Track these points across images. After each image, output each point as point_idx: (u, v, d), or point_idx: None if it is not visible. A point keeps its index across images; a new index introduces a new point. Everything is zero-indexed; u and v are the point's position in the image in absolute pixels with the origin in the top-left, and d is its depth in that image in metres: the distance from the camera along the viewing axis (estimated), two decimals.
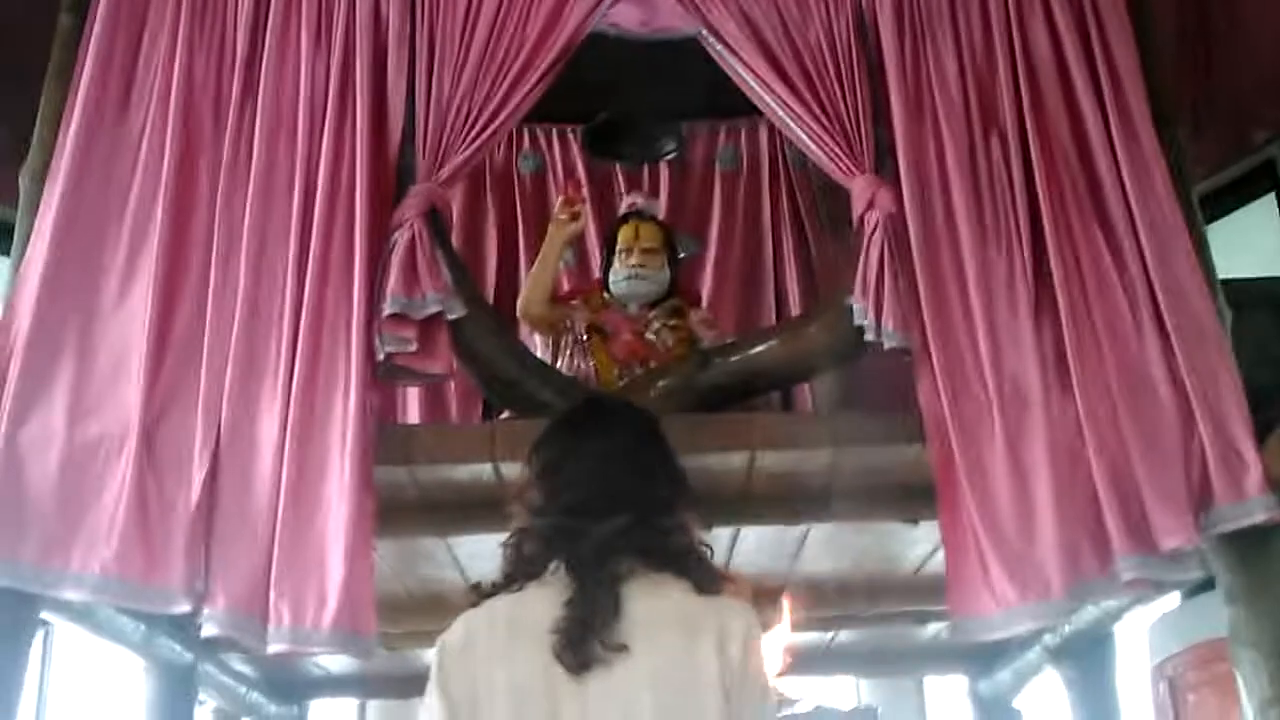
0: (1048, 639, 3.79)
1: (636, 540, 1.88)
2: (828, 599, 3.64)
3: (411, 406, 4.12)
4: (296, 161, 2.86)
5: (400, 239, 2.79)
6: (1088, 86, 2.96)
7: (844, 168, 2.95)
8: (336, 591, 2.52)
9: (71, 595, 2.57)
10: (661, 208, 4.20)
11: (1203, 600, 3.31)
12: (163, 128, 2.86)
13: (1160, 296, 2.75)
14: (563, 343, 3.54)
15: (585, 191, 3.95)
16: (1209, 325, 2.75)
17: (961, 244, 2.86)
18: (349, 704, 5.19)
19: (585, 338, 3.50)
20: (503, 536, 1.99)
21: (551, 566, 1.89)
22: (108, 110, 2.90)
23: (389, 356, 2.74)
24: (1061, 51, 3.00)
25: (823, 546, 3.31)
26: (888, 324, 2.76)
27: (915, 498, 2.87)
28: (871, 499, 2.93)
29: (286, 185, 2.84)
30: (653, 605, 1.84)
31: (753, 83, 3.06)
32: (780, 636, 2.40)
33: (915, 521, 3.02)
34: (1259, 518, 2.55)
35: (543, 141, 4.65)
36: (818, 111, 2.97)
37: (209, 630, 2.55)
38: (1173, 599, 4.13)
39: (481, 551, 2.88)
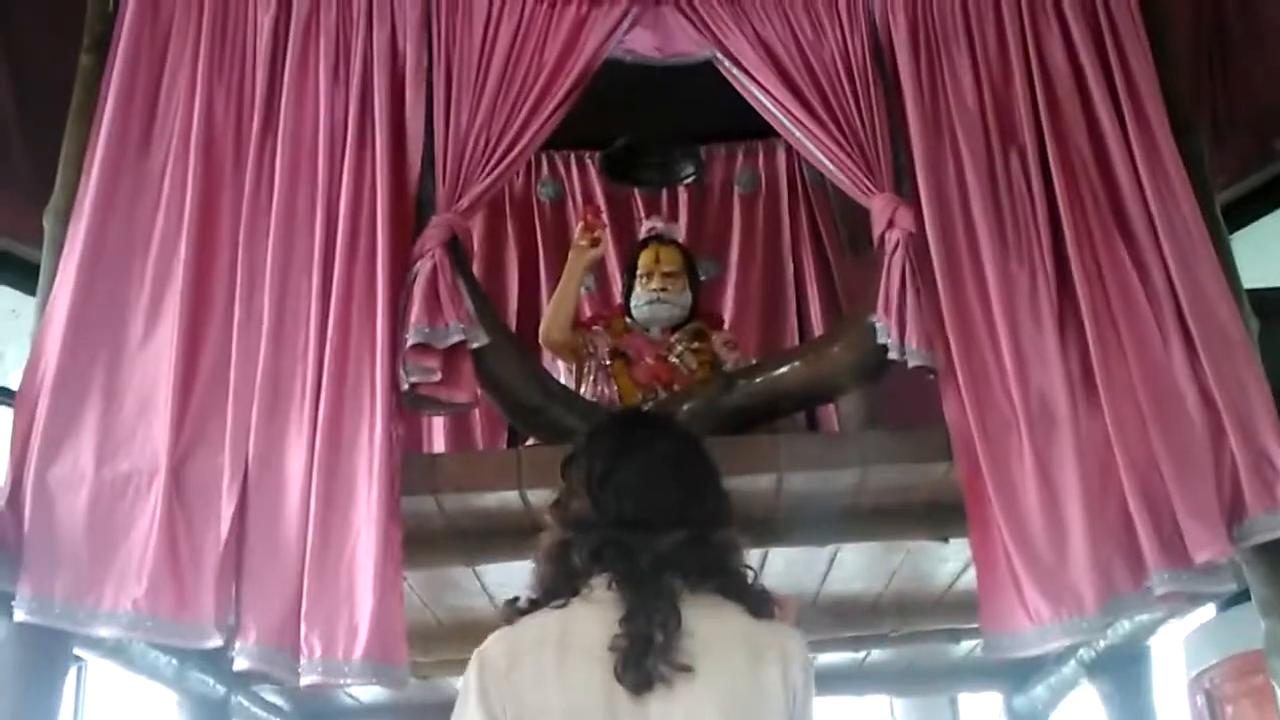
0: (1083, 653, 3.76)
1: (693, 557, 1.82)
2: (859, 618, 3.63)
3: (437, 435, 4.12)
4: (317, 195, 2.87)
5: (422, 269, 2.80)
6: (1105, 98, 2.96)
7: (863, 187, 2.95)
8: (367, 622, 2.53)
9: (104, 633, 2.58)
10: (681, 231, 4.20)
11: (1238, 612, 3.29)
12: (184, 165, 2.88)
13: (1185, 307, 2.74)
14: (586, 368, 3.54)
15: (605, 217, 3.95)
16: (1235, 335, 2.74)
17: (983, 260, 2.85)
18: None
19: (608, 363, 3.50)
20: (531, 563, 1.93)
21: (597, 582, 1.82)
22: (129, 149, 2.91)
23: (413, 386, 2.75)
24: (1078, 64, 3.00)
25: (852, 566, 3.30)
26: (911, 342, 2.75)
27: (945, 515, 2.86)
28: (900, 517, 2.92)
29: (308, 219, 2.85)
30: (714, 625, 1.79)
31: (769, 105, 3.06)
32: None
33: (945, 539, 3.00)
34: None
35: (561, 168, 4.65)
36: (835, 132, 2.97)
37: (241, 664, 2.56)
38: (1208, 610, 4.09)
39: (509, 579, 2.86)
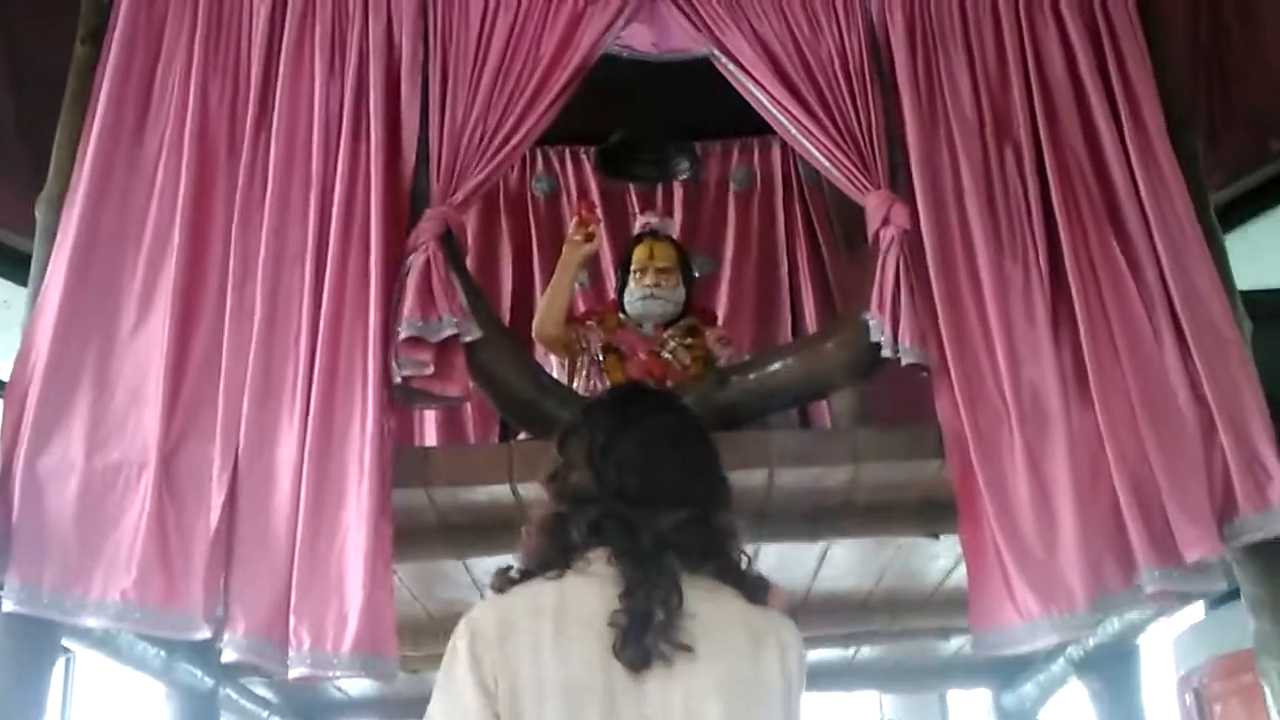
0: (1072, 651, 3.76)
1: (694, 538, 1.78)
2: (849, 614, 3.63)
3: (429, 429, 4.12)
4: (311, 186, 2.86)
5: (415, 262, 2.80)
6: (1101, 97, 2.96)
7: (858, 184, 2.96)
8: (357, 615, 2.52)
9: (92, 623, 2.57)
10: (676, 227, 4.20)
11: (1228, 611, 3.30)
12: (178, 155, 2.87)
13: (1179, 306, 2.74)
14: (579, 363, 3.53)
15: (599, 212, 3.95)
16: (1229, 335, 2.74)
17: (977, 258, 2.85)
18: None
19: (601, 358, 3.50)
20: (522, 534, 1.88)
21: (595, 555, 1.78)
22: (123, 138, 2.91)
23: (406, 380, 2.75)
24: (1075, 63, 3.00)
25: (843, 562, 3.30)
26: (904, 339, 2.75)
27: (936, 512, 2.86)
28: (892, 514, 2.92)
29: (301, 210, 2.85)
30: (713, 608, 1.75)
31: (765, 101, 3.06)
32: None
33: (936, 536, 3.00)
34: None
35: (556, 163, 4.65)
36: (831, 128, 2.97)
37: (229, 655, 2.55)
38: (1197, 610, 4.11)
39: None
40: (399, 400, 2.80)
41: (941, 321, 2.81)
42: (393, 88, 2.99)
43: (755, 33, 3.06)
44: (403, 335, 2.72)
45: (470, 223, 3.84)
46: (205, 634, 2.55)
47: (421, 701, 1.79)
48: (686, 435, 1.93)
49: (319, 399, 2.68)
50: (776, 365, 3.14)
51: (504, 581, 1.82)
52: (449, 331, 2.76)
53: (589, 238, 3.54)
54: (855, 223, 3.17)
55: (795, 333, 4.41)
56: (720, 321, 3.98)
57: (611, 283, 3.99)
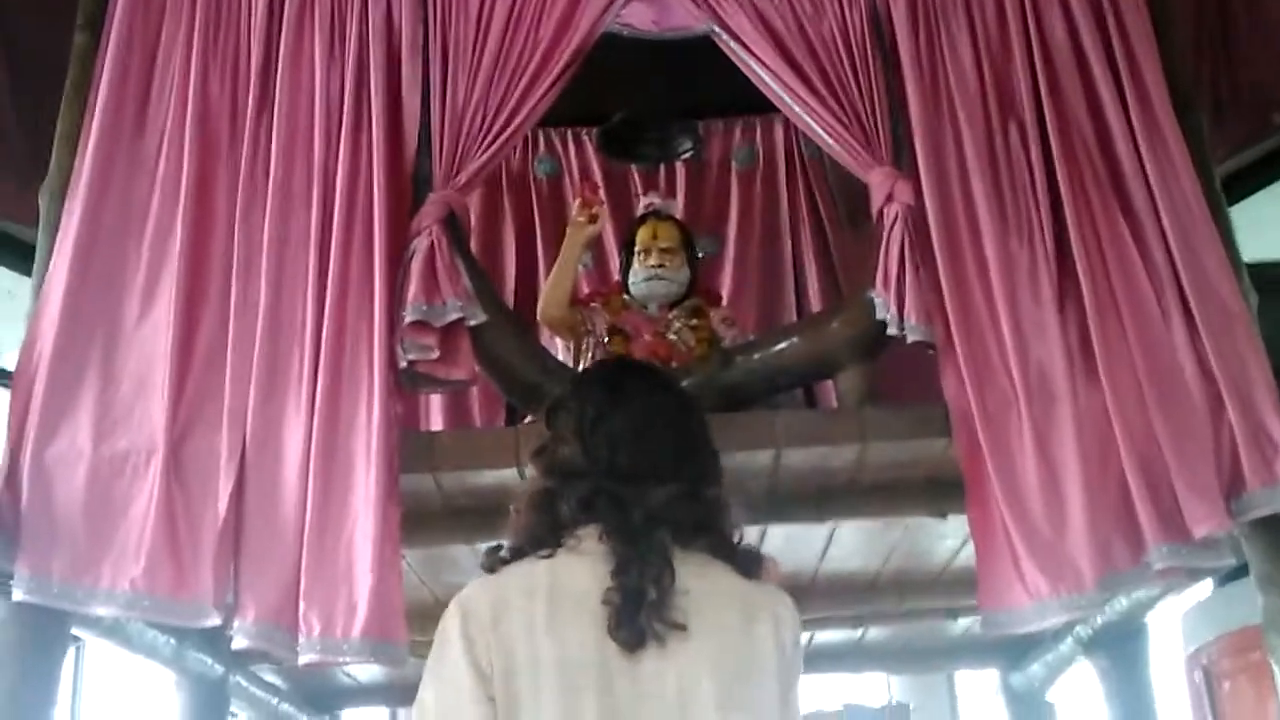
0: (1080, 630, 3.76)
1: (686, 513, 1.77)
2: (857, 595, 3.63)
3: (435, 413, 4.12)
4: (314, 172, 2.86)
5: (419, 246, 2.79)
6: (1105, 71, 2.94)
7: (861, 161, 2.94)
8: (366, 600, 2.53)
9: (102, 612, 2.58)
10: (679, 207, 4.19)
11: (1236, 588, 3.30)
12: (180, 143, 2.87)
13: (1185, 281, 2.72)
14: (583, 345, 3.53)
15: (602, 193, 3.94)
16: (1235, 309, 2.72)
17: (983, 234, 2.84)
18: (380, 713, 5.20)
19: (606, 340, 3.50)
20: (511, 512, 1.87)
21: (586, 533, 1.75)
22: (125, 127, 2.90)
23: (411, 364, 2.74)
24: (1078, 37, 2.98)
25: (851, 543, 3.30)
26: (910, 317, 2.75)
27: (943, 491, 2.86)
28: (899, 494, 2.91)
29: (304, 196, 2.85)
30: (706, 584, 1.73)
31: (767, 79, 3.04)
32: None
33: (944, 515, 3.00)
34: None
35: (558, 145, 4.64)
36: (833, 105, 2.96)
37: (239, 643, 2.56)
38: (1206, 587, 4.10)
39: None
40: (404, 385, 2.79)
41: (947, 299, 2.79)
42: (393, 71, 2.98)
43: (756, 9, 3.05)
44: (407, 320, 2.72)
45: (473, 205, 3.84)
46: (215, 621, 2.56)
47: None
48: (677, 410, 1.92)
49: (325, 385, 2.68)
50: (782, 345, 3.14)
51: (495, 561, 1.81)
52: (454, 315, 2.75)
53: (592, 219, 3.53)
54: (859, 200, 3.15)
55: (800, 312, 4.40)
56: (724, 301, 3.98)
57: (615, 264, 3.99)
